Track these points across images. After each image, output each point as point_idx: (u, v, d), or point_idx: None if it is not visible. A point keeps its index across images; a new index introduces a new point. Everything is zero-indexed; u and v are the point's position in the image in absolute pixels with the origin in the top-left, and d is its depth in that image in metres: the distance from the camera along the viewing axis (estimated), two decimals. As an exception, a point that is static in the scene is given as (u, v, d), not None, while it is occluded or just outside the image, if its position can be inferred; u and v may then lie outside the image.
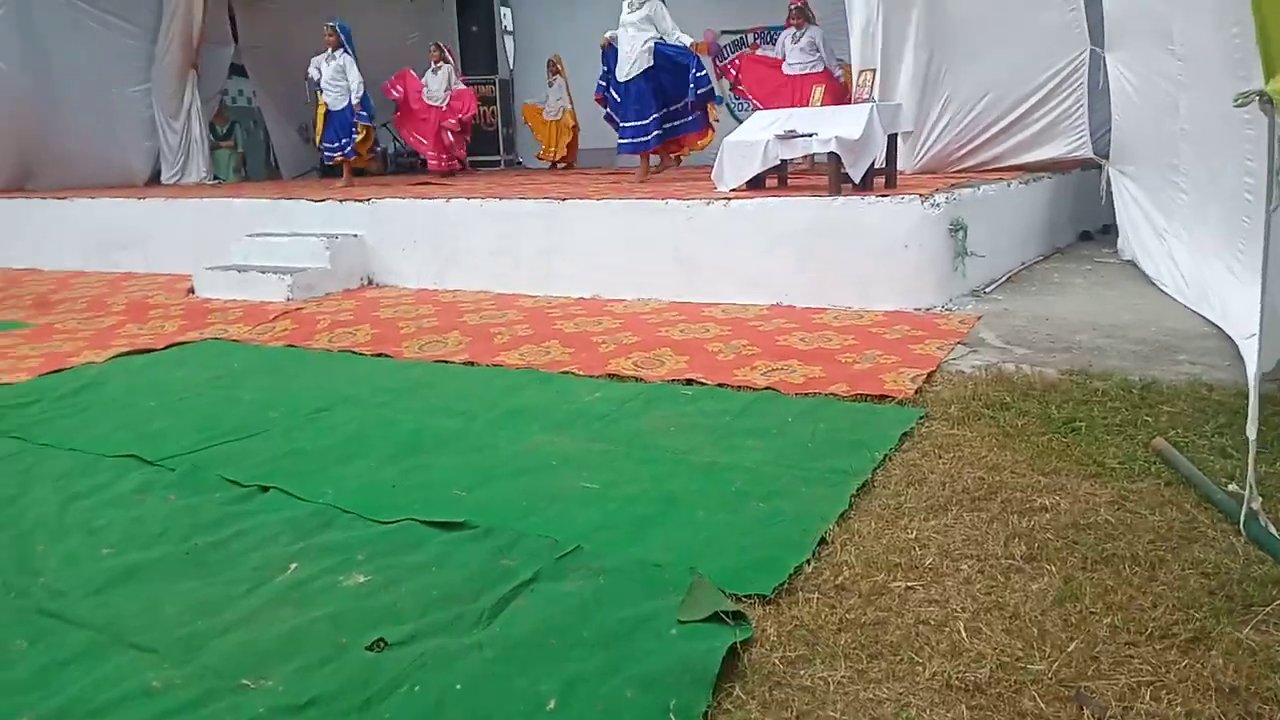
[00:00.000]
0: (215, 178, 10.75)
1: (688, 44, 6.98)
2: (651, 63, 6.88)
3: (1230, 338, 3.85)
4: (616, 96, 7.15)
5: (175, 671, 1.95)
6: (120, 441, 3.48)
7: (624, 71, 6.97)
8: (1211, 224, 4.37)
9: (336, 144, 8.46)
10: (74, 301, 6.62)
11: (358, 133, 8.40)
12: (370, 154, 9.01)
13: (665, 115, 7.04)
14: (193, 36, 10.01)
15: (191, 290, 6.63)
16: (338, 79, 8.28)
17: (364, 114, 8.45)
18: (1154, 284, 5.17)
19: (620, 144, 7.25)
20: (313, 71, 8.40)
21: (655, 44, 6.80)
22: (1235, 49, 3.73)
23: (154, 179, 10.58)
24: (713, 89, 7.29)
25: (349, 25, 8.52)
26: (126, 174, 10.37)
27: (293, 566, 2.41)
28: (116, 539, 2.63)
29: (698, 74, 6.92)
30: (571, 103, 11.17)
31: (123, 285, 7.12)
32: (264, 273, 6.34)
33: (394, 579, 2.32)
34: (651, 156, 7.33)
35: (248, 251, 6.82)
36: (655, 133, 7.06)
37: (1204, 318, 4.31)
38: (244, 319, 5.72)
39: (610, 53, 7.16)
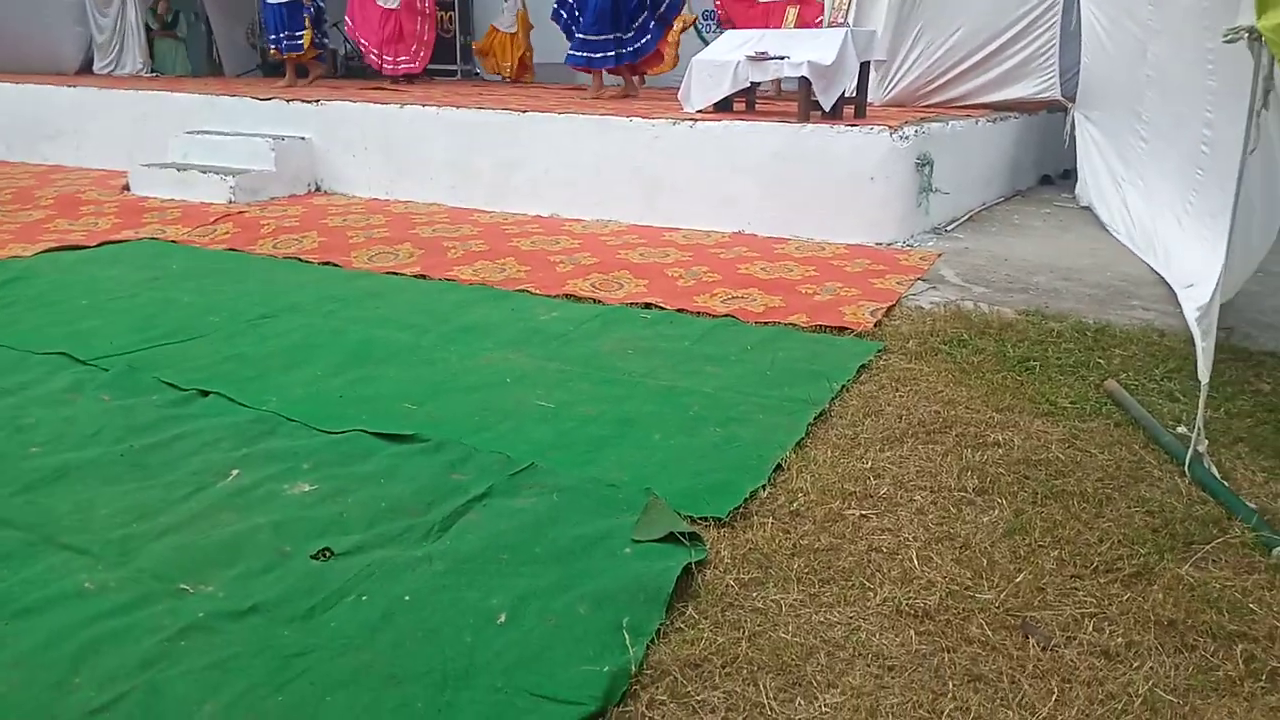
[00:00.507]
0: (155, 70, 10.15)
1: None
2: None
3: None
4: (574, 5, 6.90)
5: (109, 573, 1.87)
6: (49, 339, 3.32)
7: None
8: (1167, 173, 4.39)
9: (278, 36, 8.00)
10: (-1, 192, 6.25)
11: (304, 27, 7.94)
12: (317, 52, 8.51)
13: (620, 38, 6.87)
14: (130, -88, 9.32)
15: (126, 187, 6.30)
16: None
17: (311, 7, 7.99)
18: (1107, 230, 5.22)
19: (573, 55, 7.00)
20: None
21: None
22: None
23: (86, 68, 9.95)
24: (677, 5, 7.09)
25: None
26: (55, 61, 9.73)
27: (234, 472, 2.32)
28: (45, 438, 2.50)
29: None
30: (524, 7, 10.67)
31: (51, 178, 6.74)
32: (205, 173, 6.04)
33: (341, 489, 2.25)
34: (607, 75, 7.13)
35: (187, 149, 6.48)
36: (611, 52, 6.88)
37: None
38: (183, 220, 5.46)
39: None
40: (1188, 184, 3.95)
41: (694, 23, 9.27)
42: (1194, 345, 3.04)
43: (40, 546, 1.98)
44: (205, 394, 2.83)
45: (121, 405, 2.74)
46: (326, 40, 8.75)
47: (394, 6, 8.76)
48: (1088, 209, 5.81)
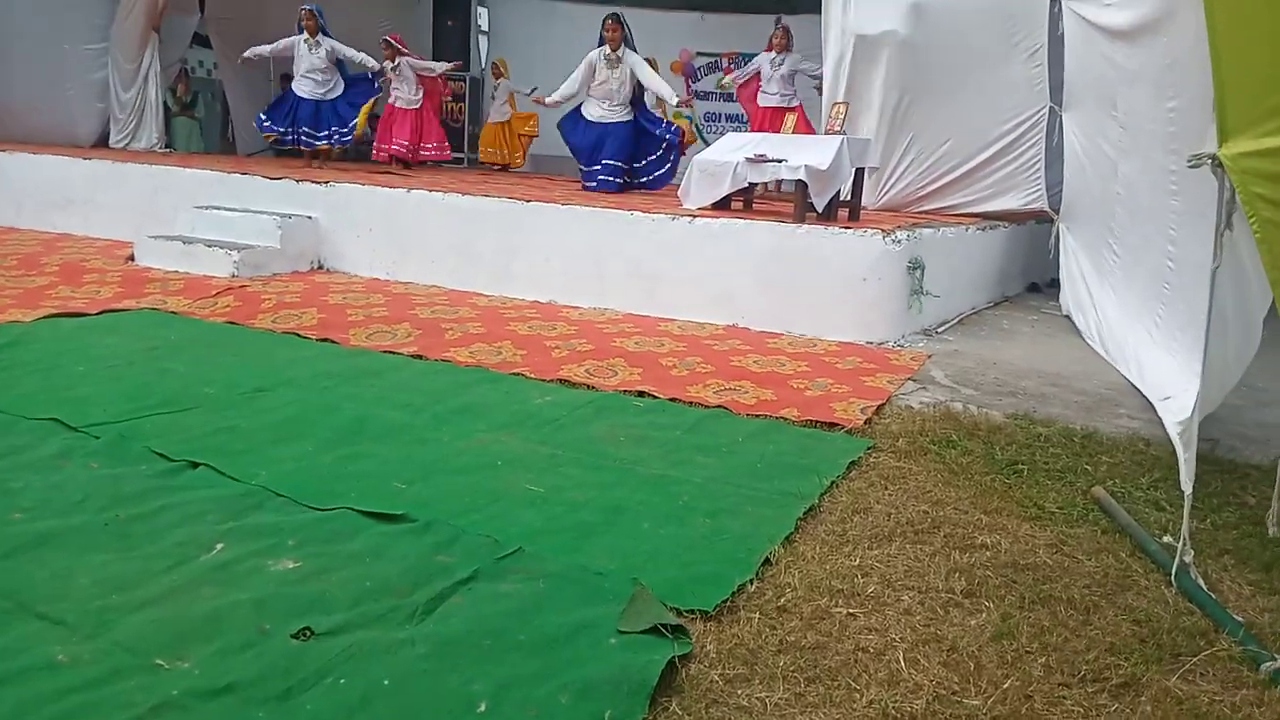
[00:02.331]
0: (169, 146, 10.41)
1: (662, 93, 7.34)
2: (631, 118, 7.37)
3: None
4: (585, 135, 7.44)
5: (83, 646, 1.84)
6: (42, 404, 3.32)
7: (596, 114, 7.32)
8: (1137, 287, 4.51)
9: (325, 132, 8.30)
10: (4, 258, 6.31)
11: (357, 116, 8.31)
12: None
13: (634, 168, 7.47)
14: (158, 0, 9.71)
15: (131, 258, 6.39)
16: (328, 67, 8.24)
17: (376, 88, 8.39)
18: (1083, 339, 5.32)
19: (601, 180, 7.40)
20: (264, 52, 8.20)
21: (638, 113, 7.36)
22: (1170, 122, 3.87)
23: (102, 141, 10.20)
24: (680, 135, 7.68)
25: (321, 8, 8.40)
26: (72, 134, 9.97)
27: (219, 546, 2.31)
28: (31, 503, 2.48)
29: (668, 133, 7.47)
30: (514, 107, 11.08)
31: (58, 246, 6.83)
32: (210, 246, 6.14)
33: (325, 567, 2.23)
34: None
35: (194, 223, 6.60)
36: (620, 179, 7.40)
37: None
38: (185, 291, 5.53)
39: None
40: (1156, 298, 4.06)
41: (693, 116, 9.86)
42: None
43: (14, 615, 1.95)
44: (195, 465, 2.83)
45: (110, 474, 2.73)
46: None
47: (416, 106, 9.23)
48: (1069, 317, 5.93)
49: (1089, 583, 2.37)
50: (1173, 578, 2.37)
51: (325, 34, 8.27)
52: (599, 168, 7.40)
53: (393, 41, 9.22)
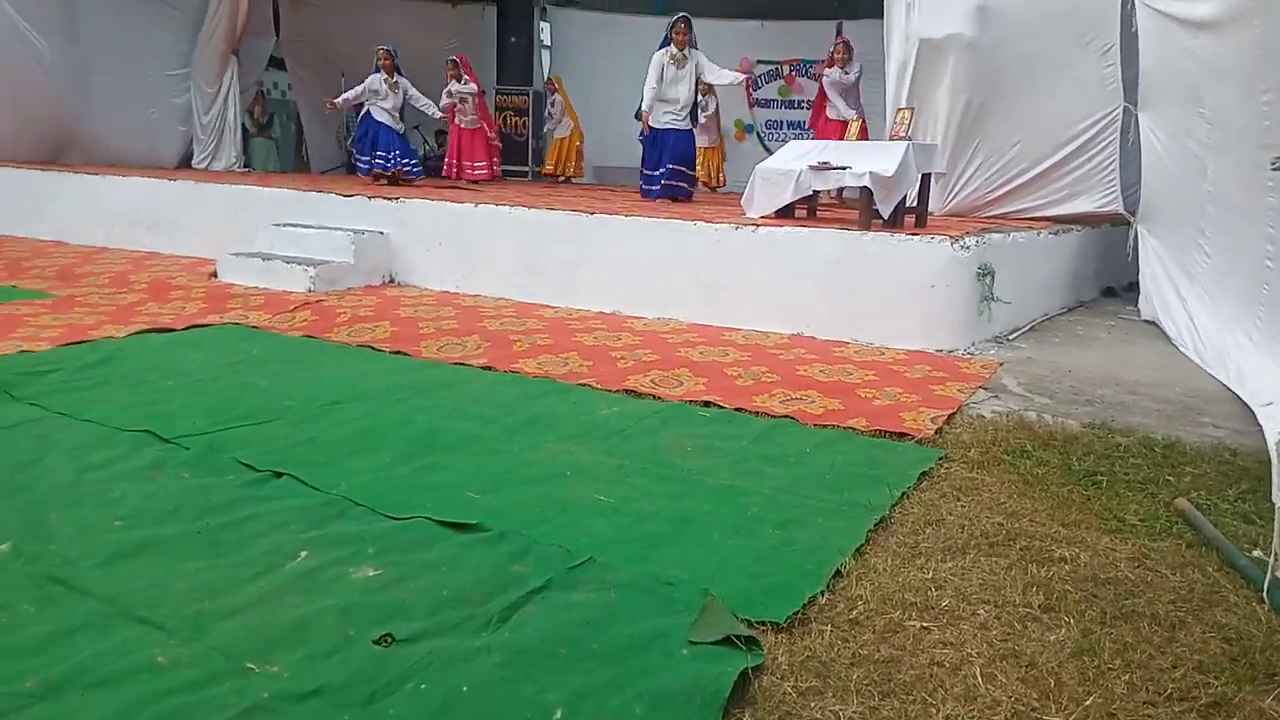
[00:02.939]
0: (248, 166, 10.83)
1: (727, 80, 7.50)
2: (690, 126, 7.54)
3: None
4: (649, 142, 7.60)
5: (181, 649, 1.93)
6: (136, 417, 3.48)
7: (660, 121, 7.43)
8: (1233, 289, 4.35)
9: (389, 156, 8.65)
10: (97, 276, 6.65)
11: (419, 152, 8.74)
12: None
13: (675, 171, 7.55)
14: (236, 25, 10.12)
15: (214, 274, 6.65)
16: (403, 105, 8.65)
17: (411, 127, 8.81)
18: (1174, 345, 5.14)
19: (666, 187, 7.54)
20: (353, 97, 8.57)
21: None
22: (1264, 115, 3.73)
23: (184, 163, 10.66)
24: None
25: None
26: (156, 156, 10.45)
27: (303, 554, 2.39)
28: (128, 513, 2.61)
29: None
30: (575, 120, 11.23)
31: (146, 264, 7.15)
32: (288, 263, 6.36)
33: (404, 575, 2.30)
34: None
35: (273, 240, 6.84)
36: (666, 182, 7.51)
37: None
38: (265, 306, 5.74)
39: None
40: (1255, 300, 3.92)
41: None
42: (1270, 466, 2.96)
43: (117, 619, 2.06)
44: (278, 475, 2.94)
45: (200, 484, 2.86)
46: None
47: (475, 127, 9.53)
48: (1151, 323, 5.74)
49: (1174, 598, 2.30)
50: (1264, 594, 2.29)
51: (399, 73, 8.62)
52: (661, 172, 7.45)
53: (457, 61, 9.48)
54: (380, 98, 8.53)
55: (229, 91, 10.36)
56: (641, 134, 7.76)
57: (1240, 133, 4.09)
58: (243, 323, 5.40)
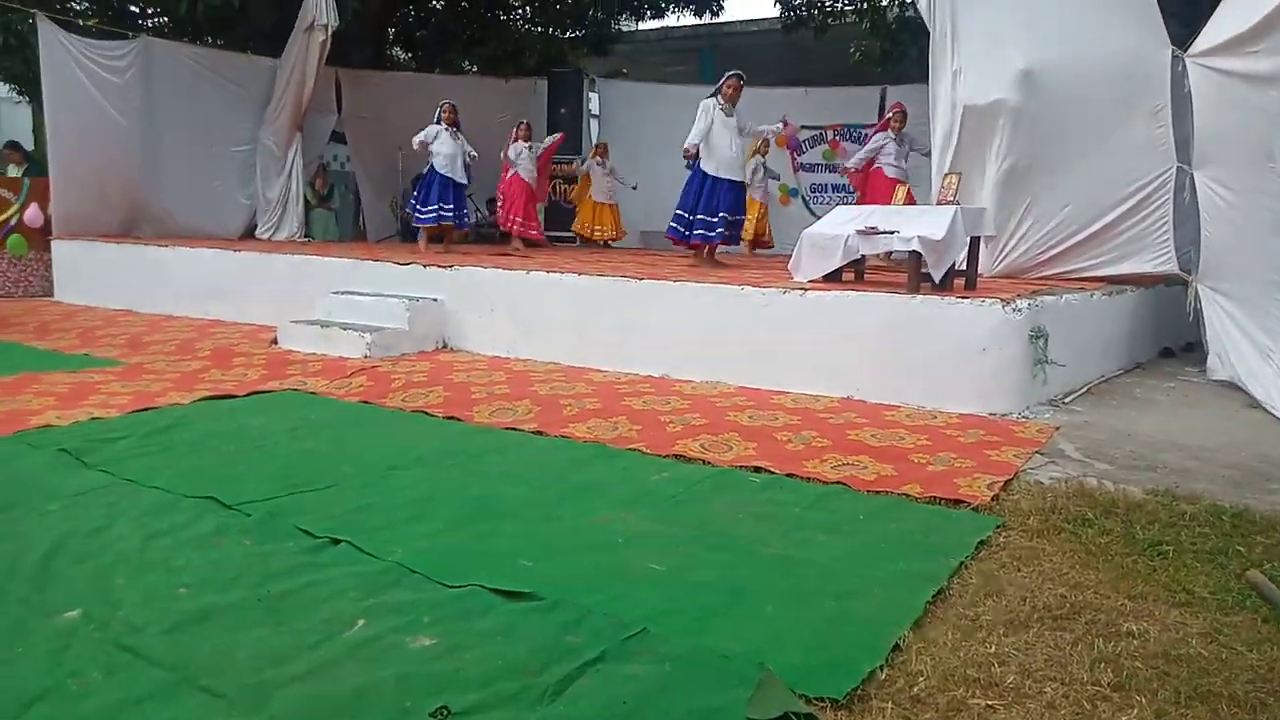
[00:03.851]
0: (308, 236, 11.23)
1: (764, 128, 7.80)
2: (743, 178, 7.69)
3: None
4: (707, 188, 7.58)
5: (244, 719, 1.96)
6: (200, 483, 3.58)
7: (715, 169, 7.49)
8: None
9: (453, 209, 9.08)
10: (164, 344, 6.90)
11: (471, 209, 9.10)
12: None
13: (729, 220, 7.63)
14: (302, 103, 10.61)
15: (275, 341, 6.86)
16: (459, 152, 9.05)
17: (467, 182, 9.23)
18: (1261, 406, 4.98)
19: (678, 232, 7.68)
20: (422, 139, 8.94)
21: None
22: None
23: (248, 234, 11.09)
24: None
25: None
26: (222, 227, 10.92)
27: (360, 622, 2.42)
28: (193, 580, 2.68)
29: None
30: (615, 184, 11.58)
31: (211, 332, 7.41)
32: (345, 329, 6.54)
33: (459, 645, 2.31)
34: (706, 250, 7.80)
35: (331, 308, 7.06)
36: (720, 230, 7.54)
37: None
38: (323, 373, 5.89)
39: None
40: None
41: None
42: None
43: (182, 687, 2.09)
44: (336, 542, 2.98)
45: (260, 550, 2.92)
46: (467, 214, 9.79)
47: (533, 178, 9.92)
48: (1222, 383, 5.59)
49: (1252, 677, 2.21)
50: (1348, 673, 2.19)
51: (459, 129, 9.04)
52: (719, 220, 7.51)
53: (528, 124, 10.10)
54: (444, 146, 8.95)
55: (293, 165, 10.82)
56: (688, 165, 7.72)
57: None
58: (301, 389, 5.54)
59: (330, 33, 10.04)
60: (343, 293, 7.20)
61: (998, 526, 3.21)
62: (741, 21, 15.50)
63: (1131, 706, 2.08)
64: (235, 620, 2.44)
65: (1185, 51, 5.93)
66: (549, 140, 10.71)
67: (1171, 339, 6.98)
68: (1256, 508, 3.34)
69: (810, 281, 5.74)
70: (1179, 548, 3.00)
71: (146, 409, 4.84)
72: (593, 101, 14.11)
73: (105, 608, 2.48)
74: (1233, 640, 2.40)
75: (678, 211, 7.75)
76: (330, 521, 3.19)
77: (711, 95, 7.51)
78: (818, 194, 12.99)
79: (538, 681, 2.13)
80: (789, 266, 6.06)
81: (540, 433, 4.56)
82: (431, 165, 9.06)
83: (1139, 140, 6.14)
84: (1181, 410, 5.06)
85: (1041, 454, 4.09)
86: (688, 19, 15.51)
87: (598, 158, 11.57)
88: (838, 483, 3.73)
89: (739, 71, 7.60)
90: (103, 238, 9.72)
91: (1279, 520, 3.22)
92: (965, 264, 5.63)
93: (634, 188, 11.41)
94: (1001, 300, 4.86)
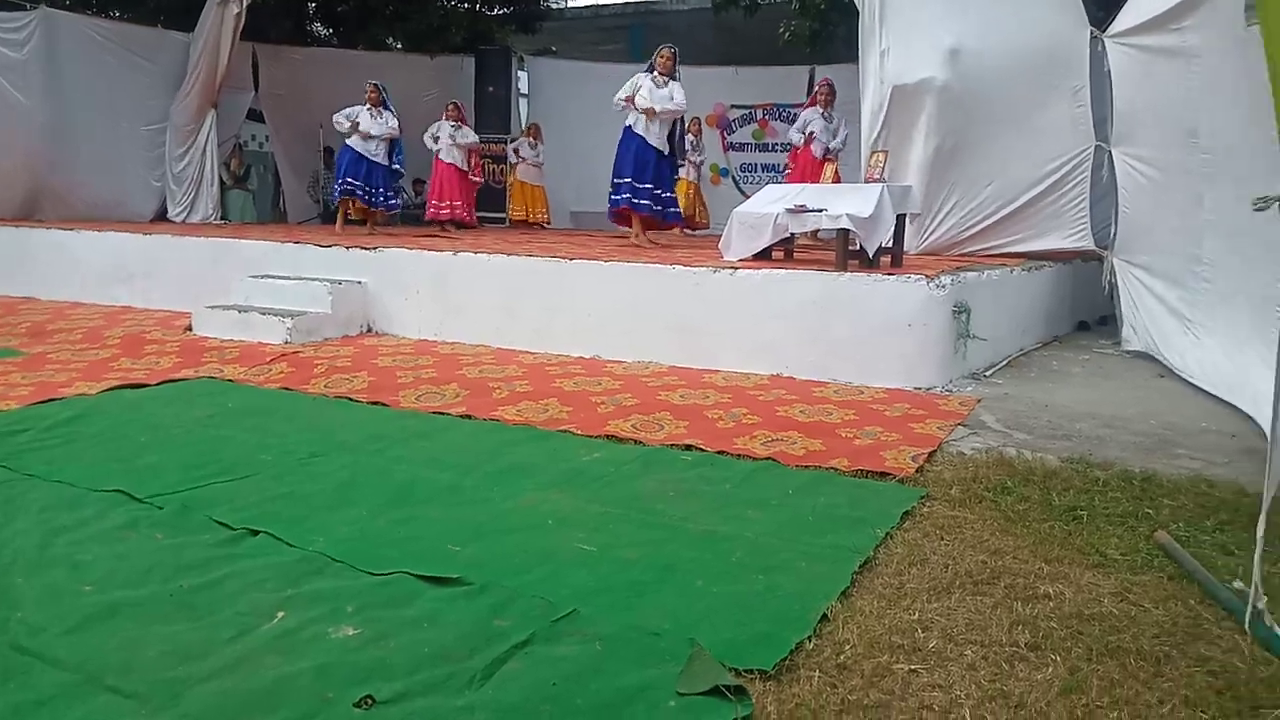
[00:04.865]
0: (224, 218, 10.83)
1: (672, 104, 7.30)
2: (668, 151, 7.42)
3: (1242, 429, 3.84)
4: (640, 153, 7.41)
5: (154, 718, 1.87)
6: (108, 476, 3.42)
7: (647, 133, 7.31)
8: (1242, 313, 4.40)
9: (373, 191, 8.80)
10: (70, 332, 6.58)
11: (397, 189, 8.83)
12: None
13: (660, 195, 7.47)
14: (216, 79, 10.19)
15: (189, 328, 6.61)
16: (379, 132, 8.74)
17: (397, 165, 8.83)
18: (1171, 376, 5.17)
19: (629, 199, 7.51)
20: (343, 120, 8.63)
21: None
22: (1271, 141, 3.81)
23: (159, 216, 10.64)
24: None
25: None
26: (131, 209, 10.45)
27: (280, 614, 2.34)
28: (99, 576, 2.55)
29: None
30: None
31: (120, 319, 7.09)
32: (264, 314, 6.33)
33: (384, 633, 2.25)
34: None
35: (249, 292, 6.82)
36: (647, 202, 7.39)
37: (1231, 410, 4.28)
38: (240, 359, 5.69)
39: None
40: (1267, 322, 3.96)
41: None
42: (1247, 497, 2.99)
43: (87, 688, 2.00)
44: (255, 533, 2.89)
45: (174, 543, 2.80)
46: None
47: (457, 163, 9.69)
48: (1136, 354, 5.80)
49: (1158, 632, 2.30)
50: (1246, 626, 2.29)
51: (386, 107, 8.76)
52: (647, 187, 7.35)
53: (459, 105, 9.84)
54: (361, 125, 8.66)
55: (206, 144, 10.41)
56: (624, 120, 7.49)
57: (1244, 161, 4.17)
58: (218, 376, 5.34)
59: (245, 5, 9.65)
60: (261, 276, 6.97)
61: (922, 497, 3.27)
62: (672, 0, 15.44)
63: (1047, 665, 2.15)
64: (145, 617, 2.33)
65: (1104, 32, 6.11)
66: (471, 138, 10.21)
67: (1087, 313, 7.22)
68: (1164, 472, 3.48)
69: (740, 260, 5.76)
70: (1093, 512, 3.10)
71: (50, 400, 4.61)
72: (522, 80, 13.91)
73: (1, 609, 2.35)
74: (1141, 598, 2.49)
75: (615, 180, 7.51)
76: (248, 512, 3.08)
77: (646, 70, 7.44)
78: (748, 173, 13.07)
79: (465, 667, 2.10)
80: (719, 246, 6.07)
81: (469, 416, 4.48)
82: (346, 144, 8.83)
83: (1059, 119, 6.32)
84: (1096, 381, 5.24)
85: (964, 426, 4.19)
86: (616, -4, 15.40)
87: (529, 138, 11.41)
88: (767, 459, 3.75)
89: (671, 44, 7.53)
90: (0, 221, 9.21)
91: (1184, 484, 3.36)
92: (892, 241, 5.72)
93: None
94: (926, 277, 4.95)
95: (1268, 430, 3.56)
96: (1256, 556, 2.33)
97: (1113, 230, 6.16)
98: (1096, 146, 6.22)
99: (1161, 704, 1.98)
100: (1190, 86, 4.98)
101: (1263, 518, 2.34)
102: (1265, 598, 2.31)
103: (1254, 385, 4.10)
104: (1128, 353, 5.92)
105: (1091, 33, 6.19)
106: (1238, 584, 2.48)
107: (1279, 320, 3.78)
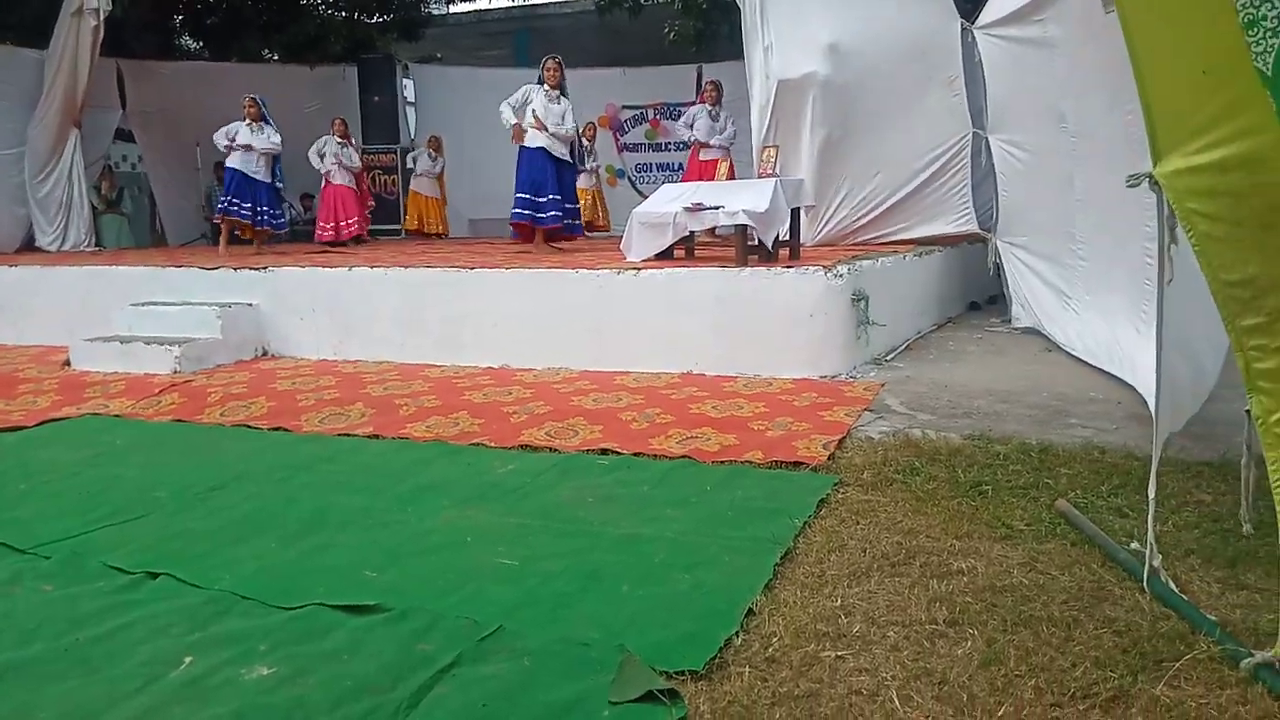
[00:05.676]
0: (99, 245, 10.23)
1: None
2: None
3: (1126, 397, 4.05)
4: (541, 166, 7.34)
5: (51, 787, 1.74)
6: (-15, 528, 3.18)
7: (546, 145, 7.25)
8: (1116, 287, 4.64)
9: (258, 211, 8.48)
10: (-69, 375, 6.10)
11: (283, 207, 8.57)
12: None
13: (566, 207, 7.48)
14: (77, 97, 9.60)
15: (67, 363, 6.22)
16: (258, 148, 8.43)
17: (279, 183, 8.57)
18: (1058, 349, 5.43)
19: (517, 213, 7.45)
20: (221, 138, 8.32)
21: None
22: (1128, 125, 4.03)
23: (26, 246, 9.97)
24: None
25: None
26: (-7, 241, 9.76)
27: (187, 660, 2.21)
28: (-19, 637, 2.37)
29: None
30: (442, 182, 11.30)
31: (-11, 357, 6.62)
32: (149, 344, 6.01)
33: (301, 670, 2.16)
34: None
35: (131, 321, 6.46)
36: (554, 213, 7.33)
37: (1115, 379, 4.51)
38: (126, 393, 5.39)
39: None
40: (1139, 295, 4.18)
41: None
42: (1137, 461, 3.16)
43: (-25, 760, 1.85)
44: (154, 576, 2.72)
45: (65, 595, 2.62)
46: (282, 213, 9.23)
47: (349, 184, 9.44)
48: (1025, 331, 6.07)
49: (1066, 598, 2.40)
50: (1145, 584, 2.41)
51: (266, 122, 8.43)
52: (549, 200, 7.29)
53: (345, 121, 9.53)
54: (241, 141, 8.36)
55: (72, 167, 9.81)
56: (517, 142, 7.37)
57: (1107, 142, 4.40)
58: (103, 412, 5.04)
59: (103, 18, 9.12)
60: (144, 304, 6.61)
61: (835, 484, 3.34)
62: (556, 3, 15.38)
63: (965, 639, 2.22)
64: (37, 676, 2.17)
65: (973, 24, 6.38)
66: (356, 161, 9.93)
67: (977, 293, 7.53)
68: (1059, 442, 3.65)
69: (643, 261, 5.78)
70: (997, 486, 3.23)
71: (-87, 450, 4.27)
72: (408, 88, 13.62)
73: None
74: (1049, 566, 2.60)
75: (517, 194, 7.42)
76: (145, 554, 2.91)
77: (536, 82, 7.38)
78: (643, 173, 13.14)
79: (390, 698, 2.02)
80: (621, 247, 6.08)
81: (376, 436, 4.35)
82: (228, 163, 8.50)
83: (937, 109, 6.57)
84: (990, 358, 5.47)
85: (870, 410, 4.30)
86: (501, 1, 15.25)
87: (430, 150, 11.18)
88: (683, 457, 3.77)
89: (555, 54, 7.50)
90: None
91: (1078, 452, 3.53)
92: (789, 234, 5.84)
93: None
94: (824, 267, 5.06)
95: (1149, 398, 3.78)
96: (1150, 517, 2.46)
97: (994, 213, 6.45)
98: (974, 134, 6.49)
99: (1074, 667, 2.07)
100: (1055, 74, 5.24)
101: (1153, 480, 2.48)
102: (1160, 556, 2.45)
103: (1130, 355, 4.35)
104: (1017, 329, 6.20)
105: (962, 25, 6.46)
106: (1135, 545, 2.62)
107: (1148, 293, 4.02)
